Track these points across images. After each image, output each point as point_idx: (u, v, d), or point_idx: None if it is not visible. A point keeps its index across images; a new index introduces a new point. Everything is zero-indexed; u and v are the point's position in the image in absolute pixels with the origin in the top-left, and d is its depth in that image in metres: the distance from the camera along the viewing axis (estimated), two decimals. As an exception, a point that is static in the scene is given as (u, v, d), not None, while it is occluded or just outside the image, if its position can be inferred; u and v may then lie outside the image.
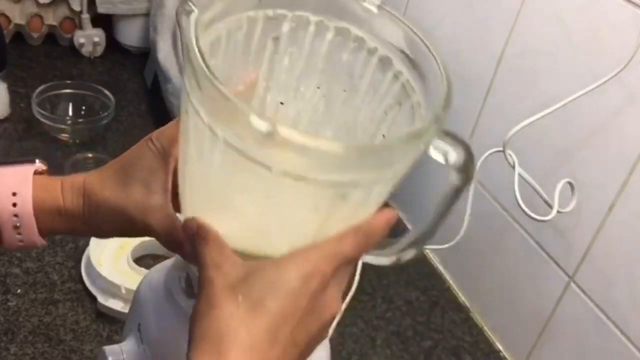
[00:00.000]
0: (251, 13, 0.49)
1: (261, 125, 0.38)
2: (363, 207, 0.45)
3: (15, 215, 0.53)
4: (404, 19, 0.49)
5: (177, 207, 0.53)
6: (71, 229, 0.55)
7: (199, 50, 0.41)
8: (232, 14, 0.48)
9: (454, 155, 0.43)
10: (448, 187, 0.45)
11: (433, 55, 0.47)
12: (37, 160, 0.57)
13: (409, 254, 0.50)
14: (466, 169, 0.43)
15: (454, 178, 0.44)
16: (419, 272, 1.09)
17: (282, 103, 0.53)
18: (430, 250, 1.12)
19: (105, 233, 0.55)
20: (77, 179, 0.55)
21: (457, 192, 0.46)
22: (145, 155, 0.53)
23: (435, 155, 0.43)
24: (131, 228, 0.53)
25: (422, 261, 1.11)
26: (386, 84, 0.50)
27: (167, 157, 0.53)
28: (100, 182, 0.53)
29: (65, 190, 0.54)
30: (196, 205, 0.49)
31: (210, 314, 0.43)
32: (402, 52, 0.49)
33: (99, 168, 0.55)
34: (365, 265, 1.00)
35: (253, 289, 0.43)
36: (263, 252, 0.47)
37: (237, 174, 0.43)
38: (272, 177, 0.41)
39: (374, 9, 0.49)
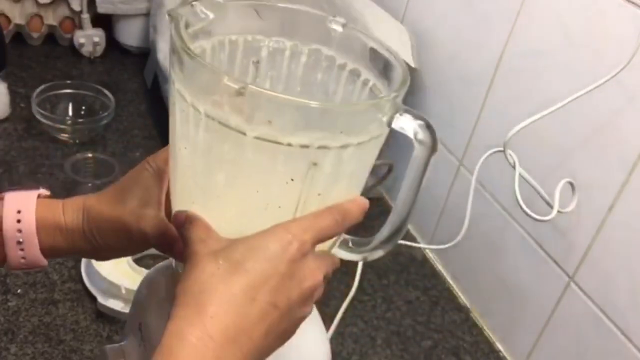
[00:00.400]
0: (233, 37, 0.54)
1: (233, 82, 0.43)
2: (337, 186, 0.48)
3: (19, 231, 0.56)
4: (366, 31, 0.55)
5: (169, 219, 0.56)
6: (72, 246, 0.58)
7: (180, 34, 0.47)
8: (214, 34, 0.53)
9: (414, 127, 0.47)
10: (414, 160, 0.49)
11: (392, 54, 0.52)
12: (40, 188, 0.61)
13: (385, 247, 0.54)
14: (427, 141, 0.48)
15: (417, 150, 0.48)
16: (419, 272, 1.09)
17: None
18: (431, 250, 1.12)
19: (103, 249, 0.58)
20: (77, 199, 0.59)
21: (422, 165, 0.49)
22: (142, 176, 0.57)
23: (399, 128, 0.47)
24: (128, 238, 0.56)
25: (422, 261, 1.11)
26: (357, 92, 0.55)
27: (162, 175, 0.57)
28: (98, 200, 0.58)
29: (66, 208, 0.58)
30: (186, 197, 0.53)
31: (191, 274, 0.46)
32: (368, 61, 0.54)
33: (95, 193, 0.59)
34: (365, 265, 1.01)
35: (234, 253, 0.46)
36: None
37: (218, 145, 0.47)
38: (248, 143, 0.45)
39: (340, 28, 0.55)
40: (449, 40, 1.06)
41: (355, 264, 1.00)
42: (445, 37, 1.07)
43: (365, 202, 0.51)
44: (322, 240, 0.49)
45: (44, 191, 0.59)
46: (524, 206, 0.82)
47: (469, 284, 1.05)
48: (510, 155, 0.84)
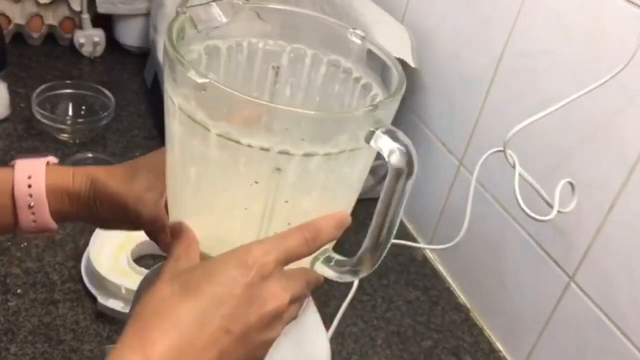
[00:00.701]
0: (253, 40, 0.54)
1: (196, 76, 0.43)
2: (309, 197, 0.47)
3: (30, 195, 0.58)
4: (382, 45, 0.53)
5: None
6: (77, 211, 0.61)
7: (171, 28, 0.47)
8: (230, 35, 0.53)
9: (390, 148, 0.45)
10: (386, 184, 0.47)
11: (396, 69, 0.51)
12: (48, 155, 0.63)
13: (366, 267, 0.51)
14: (401, 166, 0.45)
15: (390, 173, 0.46)
16: (419, 272, 1.09)
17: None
18: (431, 250, 1.12)
19: (102, 218, 0.61)
20: (87, 169, 0.61)
21: (392, 191, 0.47)
22: (155, 160, 0.60)
23: (376, 147, 0.45)
24: (124, 214, 0.59)
25: (422, 261, 1.11)
26: None
27: None
28: (107, 174, 0.60)
29: (75, 176, 0.60)
30: (171, 193, 0.54)
31: (146, 296, 0.46)
32: (379, 75, 0.54)
33: (109, 166, 0.63)
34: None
35: (192, 277, 0.46)
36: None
37: (189, 140, 0.47)
38: (212, 140, 0.45)
39: (359, 41, 0.54)
40: (449, 40, 1.06)
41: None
42: (446, 37, 1.07)
43: (343, 219, 0.49)
44: (290, 260, 0.47)
45: (52, 158, 0.62)
46: (524, 206, 0.82)
47: (469, 283, 1.05)
48: (510, 155, 0.84)
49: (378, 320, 0.98)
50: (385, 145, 0.45)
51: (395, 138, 0.45)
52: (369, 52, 0.53)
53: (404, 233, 1.14)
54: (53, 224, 0.61)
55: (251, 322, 0.45)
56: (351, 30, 0.54)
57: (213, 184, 0.48)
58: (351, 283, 0.97)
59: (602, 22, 0.80)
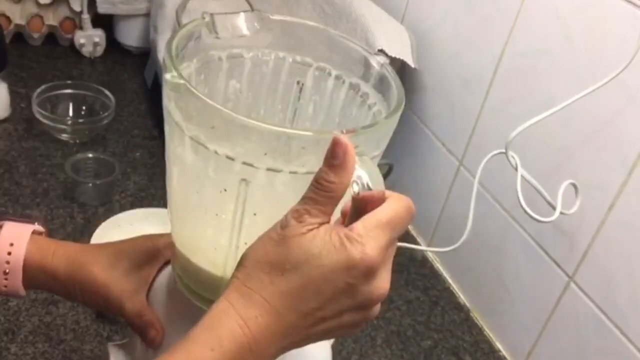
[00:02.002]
0: (280, 54, 0.55)
1: (173, 77, 0.44)
2: (279, 214, 0.45)
3: (7, 262, 0.59)
4: (396, 76, 0.53)
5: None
6: (51, 288, 0.62)
7: (172, 38, 0.48)
8: (255, 47, 0.54)
9: (355, 182, 0.44)
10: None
11: (398, 95, 0.51)
12: (36, 223, 0.65)
13: None
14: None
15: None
16: (419, 272, 1.09)
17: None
18: (432, 251, 1.12)
19: (78, 299, 0.62)
20: (70, 247, 0.62)
21: None
22: (140, 249, 0.61)
23: None
24: (105, 301, 0.59)
25: (422, 261, 1.11)
26: None
27: (157, 256, 0.61)
28: (91, 259, 0.60)
29: (57, 253, 0.61)
30: (168, 204, 0.54)
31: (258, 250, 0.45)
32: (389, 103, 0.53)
33: (93, 245, 0.64)
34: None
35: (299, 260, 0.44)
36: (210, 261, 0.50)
37: (170, 139, 0.48)
38: (187, 141, 0.45)
39: (377, 67, 0.53)
40: (449, 40, 1.06)
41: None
42: (445, 37, 1.07)
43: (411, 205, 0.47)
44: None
45: (39, 227, 0.63)
46: (526, 208, 0.81)
47: (469, 283, 1.05)
48: (512, 156, 0.84)
49: (378, 320, 0.98)
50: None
51: (362, 164, 0.43)
52: (384, 78, 0.53)
53: (404, 234, 1.11)
54: (22, 292, 0.61)
55: (346, 309, 0.45)
56: (374, 54, 0.54)
57: (188, 186, 0.49)
58: None
59: (602, 23, 0.80)
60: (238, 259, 0.45)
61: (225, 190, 0.46)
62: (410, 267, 1.09)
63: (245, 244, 0.47)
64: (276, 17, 0.54)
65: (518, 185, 0.82)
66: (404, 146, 1.15)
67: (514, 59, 0.94)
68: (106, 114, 1.19)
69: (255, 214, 0.47)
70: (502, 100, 0.97)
